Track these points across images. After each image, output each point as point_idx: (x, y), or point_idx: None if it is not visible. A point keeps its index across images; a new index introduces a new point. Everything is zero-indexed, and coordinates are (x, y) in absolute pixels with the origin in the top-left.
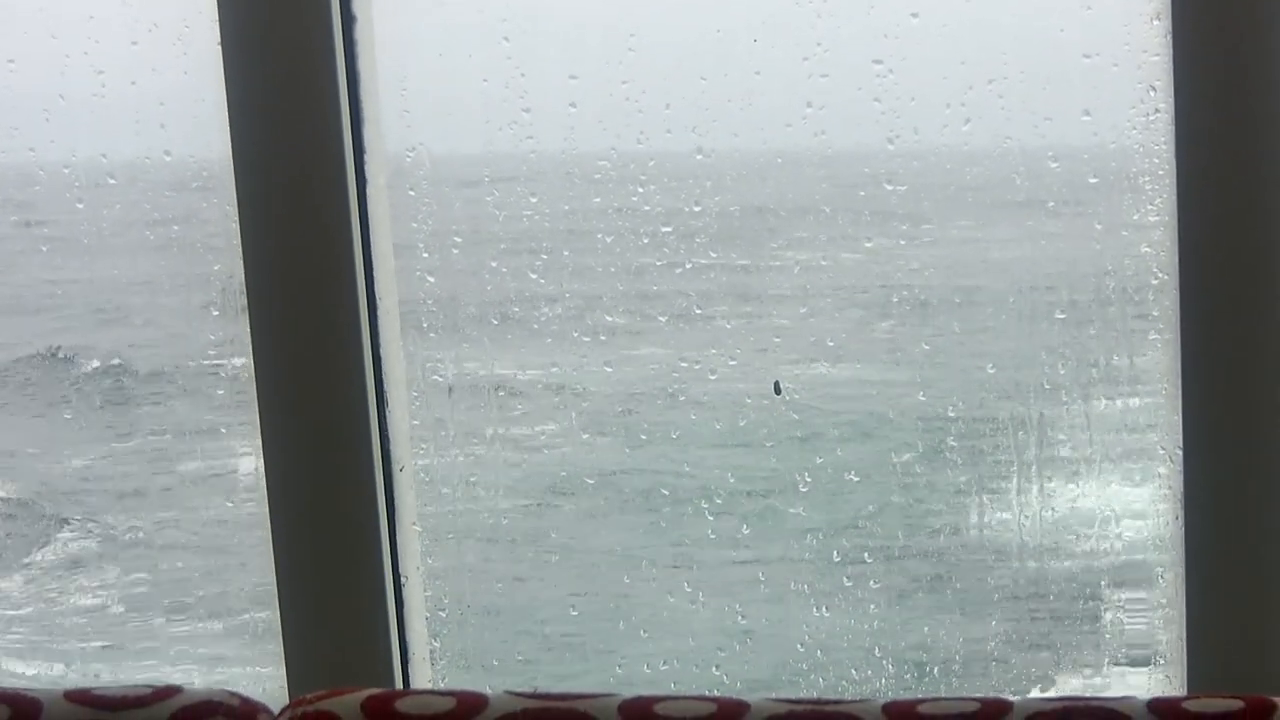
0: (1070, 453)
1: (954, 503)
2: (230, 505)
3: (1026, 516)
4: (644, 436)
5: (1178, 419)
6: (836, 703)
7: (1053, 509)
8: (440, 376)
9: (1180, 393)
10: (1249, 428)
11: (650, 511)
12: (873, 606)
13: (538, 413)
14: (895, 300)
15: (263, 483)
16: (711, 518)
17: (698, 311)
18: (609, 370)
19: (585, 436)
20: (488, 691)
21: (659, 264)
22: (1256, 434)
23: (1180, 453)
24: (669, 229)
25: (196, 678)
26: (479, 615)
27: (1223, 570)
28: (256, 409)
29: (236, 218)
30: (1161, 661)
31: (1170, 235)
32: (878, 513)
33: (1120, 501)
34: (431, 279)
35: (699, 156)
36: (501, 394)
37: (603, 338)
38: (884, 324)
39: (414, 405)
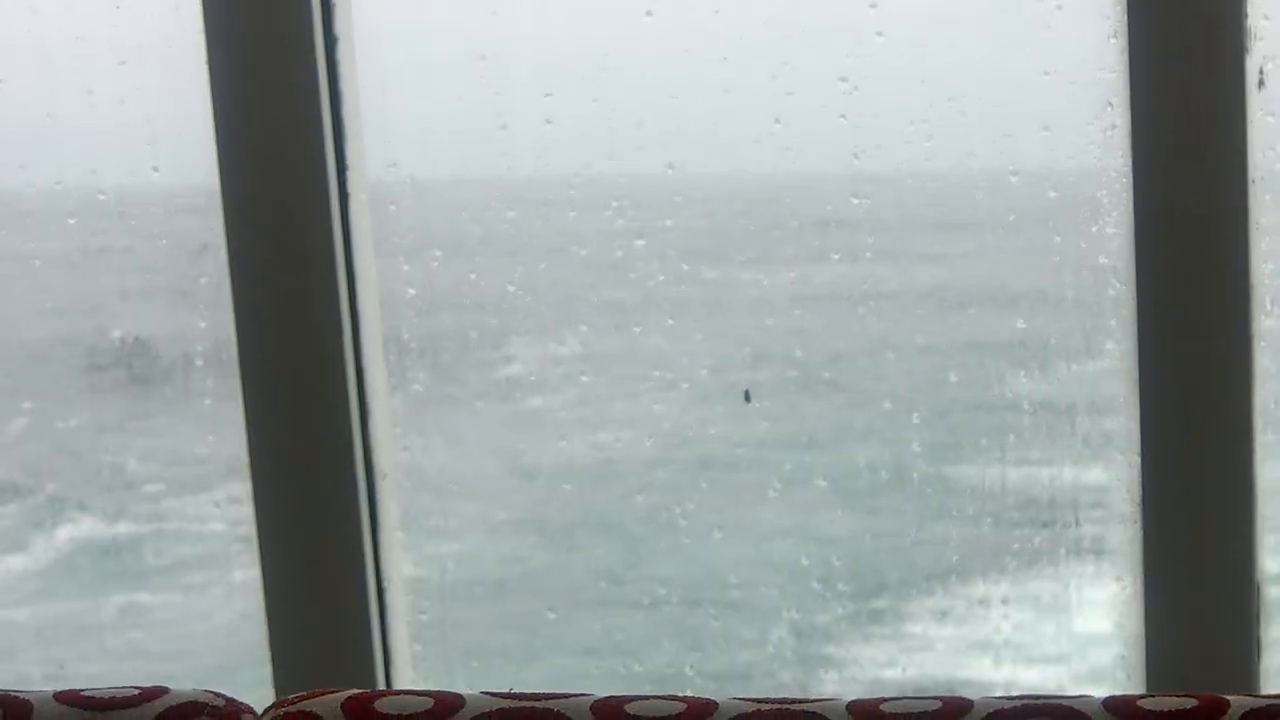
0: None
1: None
2: None
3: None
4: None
5: (1135, 428)
6: (802, 701)
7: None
8: (420, 386)
9: (1137, 402)
10: (1206, 436)
11: None
12: None
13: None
14: (860, 312)
15: (249, 489)
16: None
17: (669, 322)
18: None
19: None
20: (465, 692)
21: (631, 276)
22: (1214, 441)
23: (1138, 459)
24: (641, 242)
25: None
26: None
27: (1180, 578)
28: (242, 416)
29: (223, 232)
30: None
31: (1127, 246)
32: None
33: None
34: (412, 290)
35: (670, 172)
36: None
37: (579, 347)
38: (850, 338)
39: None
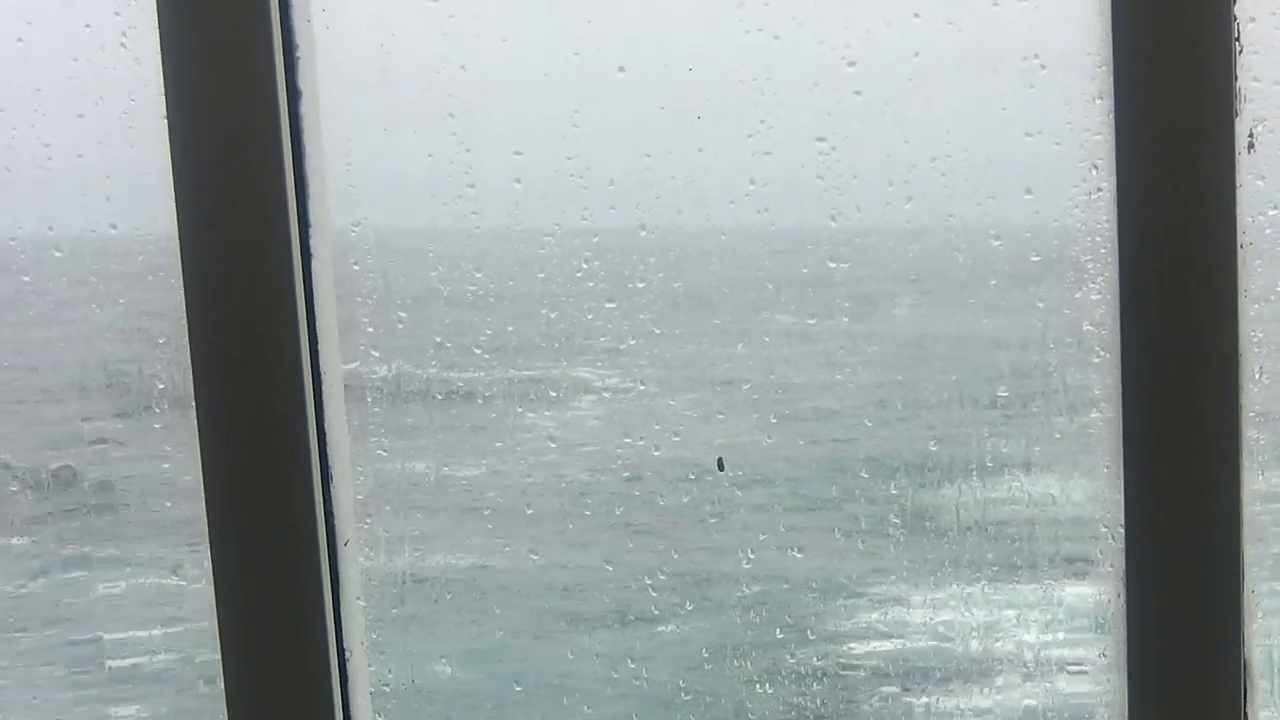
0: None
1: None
2: None
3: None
4: None
5: (1119, 498)
6: None
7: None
8: (384, 451)
9: (1122, 470)
10: (1190, 507)
11: None
12: None
13: None
14: (838, 378)
15: (208, 555)
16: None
17: (640, 388)
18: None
19: None
20: None
21: (603, 340)
22: (1198, 513)
23: (1122, 531)
24: (613, 305)
25: None
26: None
27: (1164, 656)
28: (201, 481)
29: (182, 290)
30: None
31: (1112, 314)
32: None
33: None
34: (376, 353)
35: (643, 233)
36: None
37: (547, 413)
38: (827, 402)
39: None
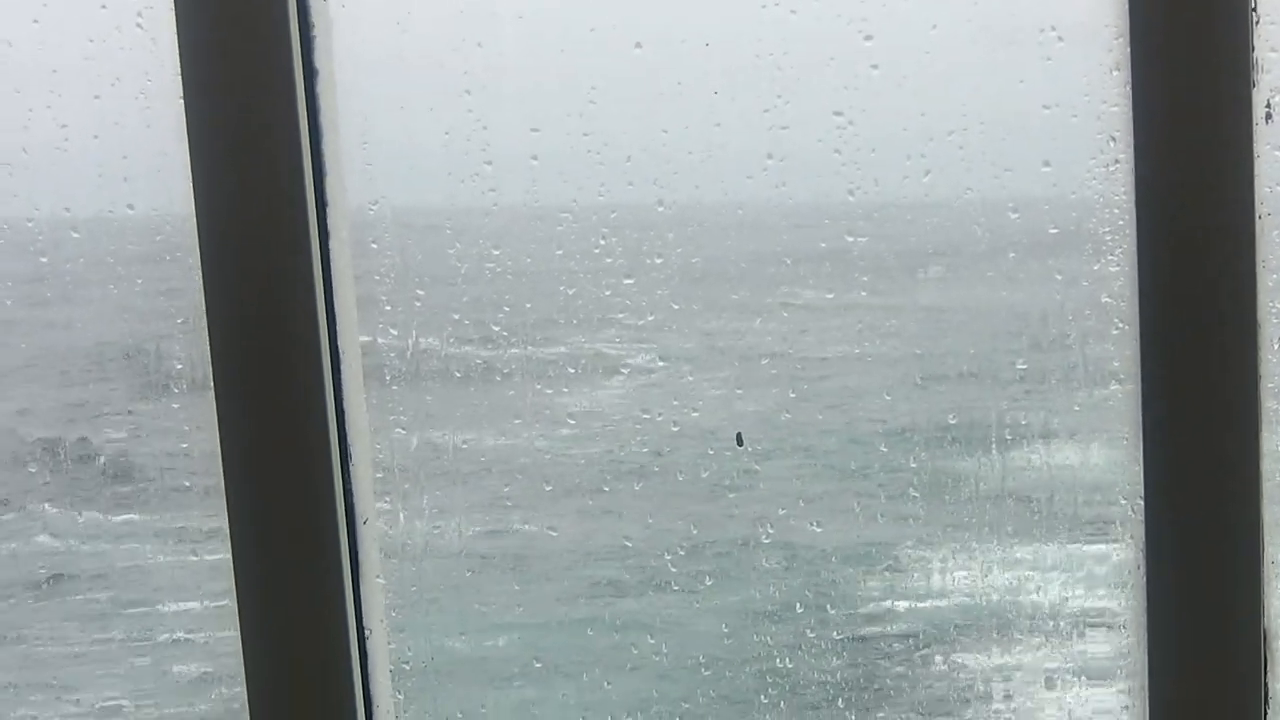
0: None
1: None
2: None
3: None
4: None
5: (1139, 469)
6: None
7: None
8: (402, 430)
9: (1141, 443)
10: (1209, 479)
11: None
12: None
13: None
14: (856, 352)
15: (227, 534)
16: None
17: (660, 363)
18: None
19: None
20: None
21: (621, 316)
22: (1217, 485)
23: (1141, 503)
24: (631, 281)
25: None
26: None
27: (1184, 627)
28: (220, 461)
29: (200, 270)
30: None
31: (1131, 286)
32: None
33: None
34: (394, 331)
35: (660, 209)
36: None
37: (565, 390)
38: (848, 380)
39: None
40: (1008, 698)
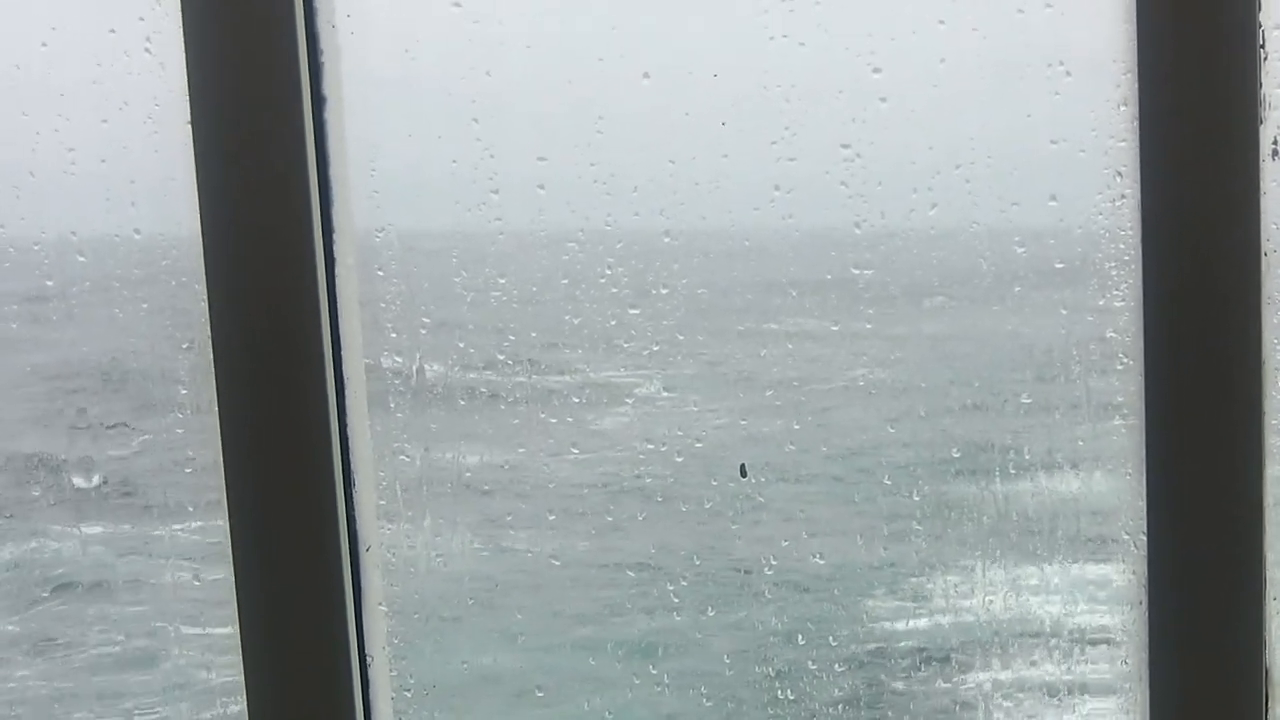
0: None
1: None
2: None
3: (989, 596)
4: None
5: (1142, 504)
6: None
7: (1016, 590)
8: (406, 457)
9: (1145, 478)
10: (1213, 516)
11: None
12: None
13: None
14: (861, 385)
15: (229, 560)
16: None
17: (664, 393)
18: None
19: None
20: None
21: (627, 345)
22: (1220, 522)
23: (1144, 537)
24: (636, 311)
25: None
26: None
27: (1185, 663)
28: (223, 487)
29: (205, 296)
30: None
31: (1136, 321)
32: None
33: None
34: (399, 359)
35: (666, 239)
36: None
37: (569, 419)
38: (850, 411)
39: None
40: (1009, 713)
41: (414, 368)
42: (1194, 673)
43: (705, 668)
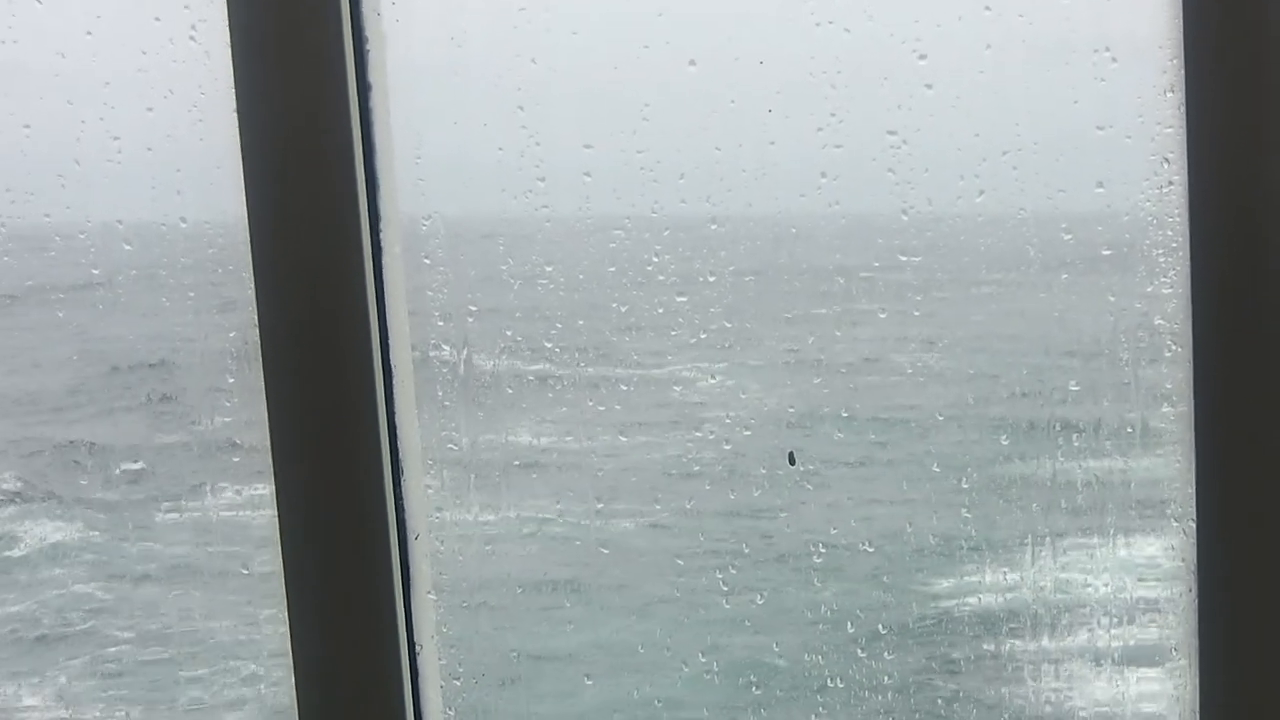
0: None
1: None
2: None
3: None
4: None
5: (1191, 492)
6: None
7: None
8: (454, 446)
9: (1195, 467)
10: (1263, 503)
11: None
12: None
13: None
14: (909, 371)
15: (279, 550)
16: None
17: (711, 381)
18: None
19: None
20: None
21: (674, 334)
22: (1272, 509)
23: (1194, 525)
24: (684, 298)
25: None
26: None
27: (1234, 645)
28: (272, 476)
29: (252, 284)
30: None
31: (1184, 308)
32: None
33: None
34: (446, 347)
35: (713, 226)
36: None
37: (618, 406)
38: (899, 397)
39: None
40: (1056, 678)
41: (461, 356)
42: (1243, 656)
43: (751, 653)
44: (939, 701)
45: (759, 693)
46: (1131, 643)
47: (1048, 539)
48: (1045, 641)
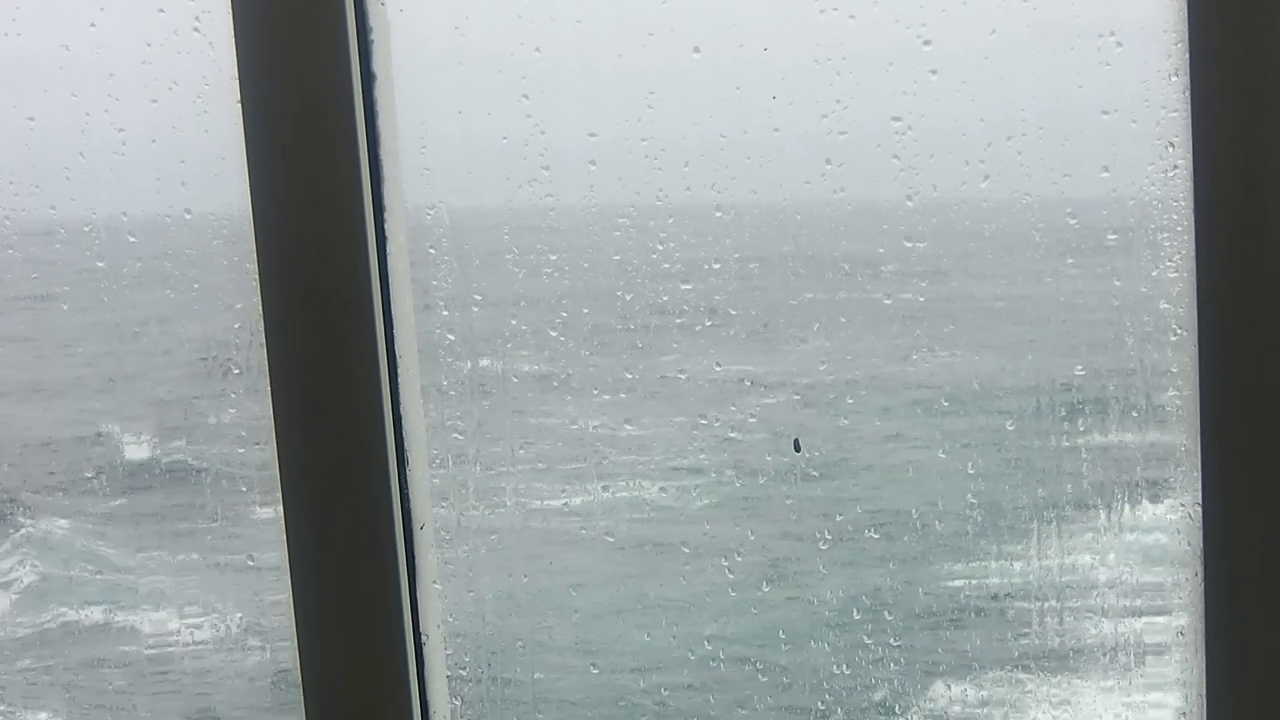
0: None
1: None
2: None
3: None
4: None
5: (1196, 475)
6: None
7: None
8: (459, 435)
9: (1200, 449)
10: (1268, 485)
11: None
12: None
13: None
14: (914, 357)
15: (283, 541)
16: None
17: (716, 368)
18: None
19: None
20: None
21: (678, 321)
22: (1277, 494)
23: (1199, 509)
24: (688, 286)
25: None
26: None
27: (1241, 634)
28: (277, 467)
29: (257, 276)
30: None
31: (1189, 292)
32: None
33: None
34: (451, 337)
35: (718, 214)
36: None
37: (623, 395)
38: (904, 382)
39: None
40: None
41: (468, 344)
42: (1251, 639)
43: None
44: None
45: (765, 679)
46: None
47: (1054, 520)
48: None
